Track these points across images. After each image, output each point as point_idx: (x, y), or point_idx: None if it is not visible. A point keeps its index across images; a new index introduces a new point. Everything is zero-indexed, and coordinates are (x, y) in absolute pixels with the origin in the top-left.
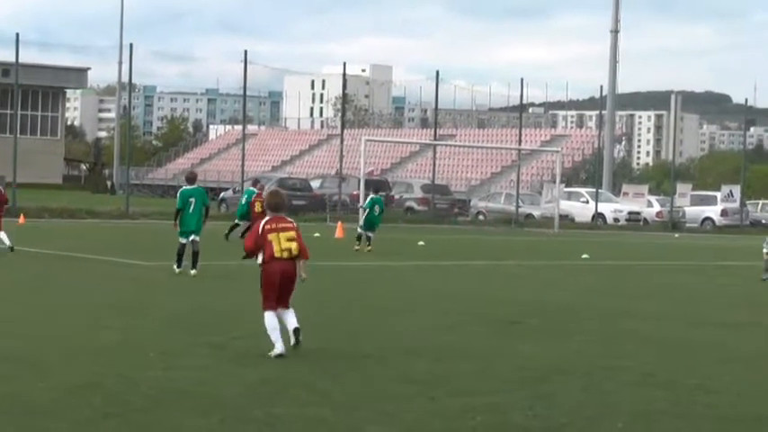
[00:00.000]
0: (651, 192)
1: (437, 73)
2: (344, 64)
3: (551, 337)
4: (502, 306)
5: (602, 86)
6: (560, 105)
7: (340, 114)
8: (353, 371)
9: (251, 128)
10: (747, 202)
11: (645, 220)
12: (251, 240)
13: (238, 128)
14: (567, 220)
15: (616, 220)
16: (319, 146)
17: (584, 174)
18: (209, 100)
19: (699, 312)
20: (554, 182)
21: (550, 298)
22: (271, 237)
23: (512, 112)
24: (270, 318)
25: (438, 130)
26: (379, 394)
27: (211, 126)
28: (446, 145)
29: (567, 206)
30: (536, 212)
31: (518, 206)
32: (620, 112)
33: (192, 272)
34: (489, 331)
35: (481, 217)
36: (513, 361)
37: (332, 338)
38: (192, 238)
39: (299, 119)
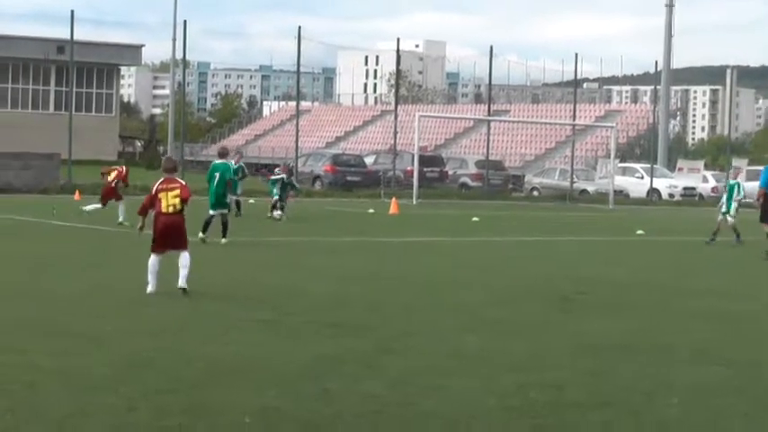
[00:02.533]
0: (706, 167)
1: (491, 48)
2: (398, 40)
3: (606, 313)
4: (556, 282)
5: (656, 61)
6: (615, 80)
7: (394, 90)
8: (407, 346)
9: (305, 104)
10: None
11: (700, 195)
12: (146, 199)
13: (292, 104)
14: (621, 195)
15: (671, 195)
16: (373, 122)
17: (639, 149)
18: (262, 76)
19: (754, 288)
20: (608, 157)
21: (605, 274)
22: (161, 195)
23: (566, 88)
24: (152, 260)
25: (492, 105)
26: (431, 370)
27: (265, 102)
28: (500, 120)
29: (621, 182)
30: (590, 188)
31: (572, 182)
32: (674, 87)
33: (222, 241)
34: (543, 308)
35: (535, 193)
36: (567, 337)
37: (386, 314)
38: (218, 210)
39: (352, 95)
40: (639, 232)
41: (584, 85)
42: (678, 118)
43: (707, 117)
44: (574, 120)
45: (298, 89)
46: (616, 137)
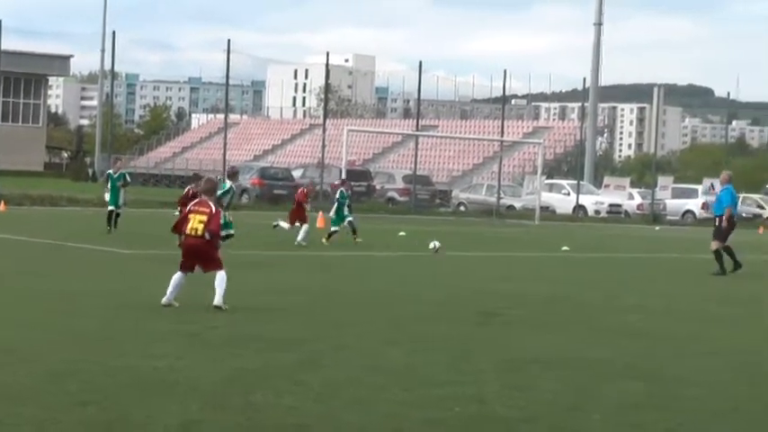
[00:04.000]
0: (632, 184)
1: (420, 63)
2: (327, 54)
3: (530, 328)
4: (482, 297)
5: (584, 79)
6: (543, 97)
7: (323, 104)
8: (332, 360)
9: (233, 117)
10: None
11: (626, 212)
12: (180, 217)
13: (221, 116)
14: (548, 211)
15: (597, 212)
16: (302, 135)
17: (566, 166)
18: (191, 89)
19: (681, 305)
20: (536, 173)
21: (530, 289)
22: (190, 216)
23: (494, 104)
24: (176, 276)
25: (420, 120)
26: (356, 383)
27: (194, 115)
28: (428, 136)
29: (548, 198)
30: (517, 204)
31: (499, 197)
32: (602, 105)
33: None
34: (469, 322)
35: (462, 208)
36: (493, 352)
37: (312, 328)
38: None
39: (281, 108)
40: (565, 248)
41: (513, 101)
42: (605, 135)
43: (634, 135)
44: (502, 136)
45: (226, 102)
46: (543, 153)
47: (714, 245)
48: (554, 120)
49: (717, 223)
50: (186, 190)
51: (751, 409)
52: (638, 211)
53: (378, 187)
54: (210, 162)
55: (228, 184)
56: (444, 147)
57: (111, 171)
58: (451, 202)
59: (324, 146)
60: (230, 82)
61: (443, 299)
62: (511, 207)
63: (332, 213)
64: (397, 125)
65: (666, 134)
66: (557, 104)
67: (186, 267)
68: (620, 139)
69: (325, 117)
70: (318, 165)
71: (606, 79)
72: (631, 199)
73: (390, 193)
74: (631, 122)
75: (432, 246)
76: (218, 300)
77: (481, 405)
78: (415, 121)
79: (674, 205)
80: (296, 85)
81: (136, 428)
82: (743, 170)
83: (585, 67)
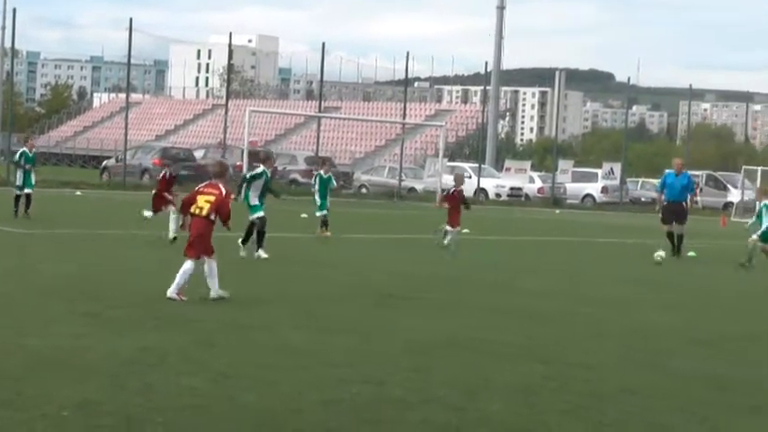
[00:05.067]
0: (533, 168)
1: (323, 45)
2: (230, 34)
3: (431, 310)
4: (383, 279)
5: (486, 62)
6: (446, 80)
7: (225, 85)
8: (233, 340)
9: (135, 96)
10: (627, 179)
11: (526, 195)
12: (186, 197)
13: (123, 96)
14: None
15: (498, 195)
16: (204, 116)
17: (468, 149)
18: (93, 68)
19: (579, 288)
20: (437, 156)
21: (430, 272)
22: (198, 196)
23: (397, 86)
24: (185, 265)
25: (323, 102)
26: (256, 364)
27: (96, 94)
28: (331, 117)
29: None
30: (419, 186)
31: (401, 180)
32: (504, 88)
33: (260, 254)
34: (372, 304)
35: (364, 190)
36: (394, 334)
37: (212, 308)
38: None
39: (184, 88)
40: (465, 231)
41: (416, 84)
42: (507, 119)
43: (535, 118)
44: (404, 118)
45: (128, 81)
46: (445, 136)
47: (677, 228)
48: (456, 103)
49: (672, 208)
50: (162, 174)
51: (644, 391)
52: (538, 195)
53: (280, 169)
54: (112, 142)
55: (262, 168)
56: (347, 129)
57: (25, 149)
58: (353, 185)
59: (226, 127)
60: (133, 61)
61: (345, 281)
62: (412, 189)
63: (317, 199)
64: (300, 106)
65: (568, 118)
66: (459, 88)
67: (189, 250)
68: (522, 122)
69: (228, 98)
70: (220, 145)
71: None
72: (532, 182)
73: (293, 175)
74: (533, 106)
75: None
76: (213, 293)
77: (380, 387)
78: (317, 102)
79: (575, 189)
80: (199, 65)
81: (31, 408)
82: (642, 155)
83: (488, 50)
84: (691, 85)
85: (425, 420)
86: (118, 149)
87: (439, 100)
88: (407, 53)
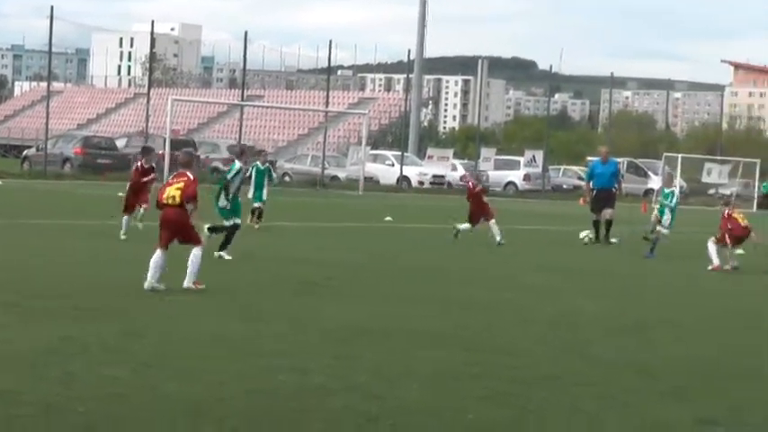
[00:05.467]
0: (456, 156)
1: (246, 33)
2: (153, 22)
3: (354, 298)
4: (306, 267)
5: (409, 50)
6: (369, 68)
7: (148, 73)
8: (156, 330)
9: (57, 85)
10: (549, 167)
11: (449, 183)
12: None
13: (44, 85)
14: (372, 182)
15: (421, 183)
16: (126, 104)
17: (391, 137)
18: (14, 56)
19: (504, 275)
20: (360, 144)
21: (353, 260)
22: (167, 187)
23: (320, 74)
24: (154, 256)
25: (246, 90)
26: (180, 354)
27: (17, 83)
28: (253, 106)
29: (372, 169)
30: (342, 174)
31: (324, 168)
32: (427, 77)
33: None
34: (295, 292)
35: (287, 178)
36: (318, 322)
37: (137, 298)
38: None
39: (106, 77)
40: (388, 218)
41: (339, 72)
42: (430, 107)
43: (458, 107)
44: (327, 106)
45: (49, 70)
46: (368, 124)
47: (607, 213)
48: (379, 91)
49: (601, 196)
50: (136, 165)
51: (567, 377)
52: (460, 183)
53: (202, 158)
54: (33, 131)
55: (238, 164)
56: (270, 117)
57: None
58: (276, 173)
59: (148, 116)
60: (54, 50)
61: (267, 269)
62: (335, 178)
63: (251, 189)
64: (223, 95)
65: (490, 106)
66: (383, 76)
67: (163, 241)
68: (445, 110)
69: (150, 86)
70: (142, 134)
71: (432, 51)
72: (454, 170)
73: (215, 163)
74: (456, 94)
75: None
76: (187, 281)
77: (303, 375)
78: (240, 91)
79: (497, 176)
80: (121, 53)
81: None
82: (564, 143)
83: (412, 38)
84: (612, 73)
85: (346, 407)
86: (39, 139)
87: (362, 88)
88: (330, 41)
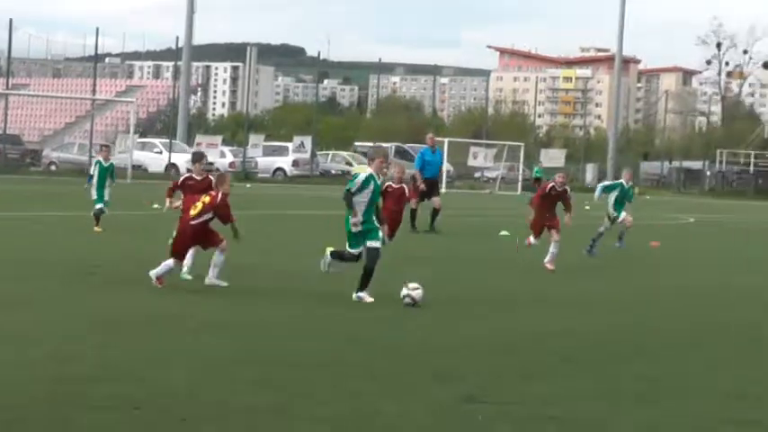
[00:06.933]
0: (225, 142)
1: (10, 21)
2: None
3: (124, 286)
4: (76, 256)
5: (178, 37)
6: (137, 56)
7: None
8: None
9: None
10: (318, 152)
11: (218, 170)
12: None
13: None
14: (140, 170)
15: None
16: None
17: (160, 124)
18: None
19: (277, 260)
20: (128, 132)
21: (121, 249)
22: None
23: (87, 62)
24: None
25: (11, 79)
26: None
27: None
28: (18, 94)
29: (140, 156)
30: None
31: (91, 156)
32: (196, 63)
33: None
34: (63, 282)
35: (53, 167)
36: (82, 310)
37: None
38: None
39: None
40: (156, 206)
41: (107, 60)
42: (199, 94)
43: (228, 93)
44: (94, 94)
45: None
46: (136, 112)
47: (436, 203)
48: (148, 78)
49: (430, 183)
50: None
51: (335, 365)
52: (230, 169)
53: None
54: None
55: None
56: (35, 106)
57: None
58: (42, 162)
59: None
60: None
61: (29, 259)
62: None
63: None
64: None
65: (260, 93)
66: (151, 63)
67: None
68: (214, 97)
69: None
70: None
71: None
72: (223, 157)
73: None
74: (225, 81)
75: None
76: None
77: (66, 363)
78: (5, 79)
79: (265, 163)
80: None
81: None
82: (333, 128)
83: (180, 25)
84: (380, 59)
85: (111, 395)
86: None
87: (130, 76)
88: (97, 29)
